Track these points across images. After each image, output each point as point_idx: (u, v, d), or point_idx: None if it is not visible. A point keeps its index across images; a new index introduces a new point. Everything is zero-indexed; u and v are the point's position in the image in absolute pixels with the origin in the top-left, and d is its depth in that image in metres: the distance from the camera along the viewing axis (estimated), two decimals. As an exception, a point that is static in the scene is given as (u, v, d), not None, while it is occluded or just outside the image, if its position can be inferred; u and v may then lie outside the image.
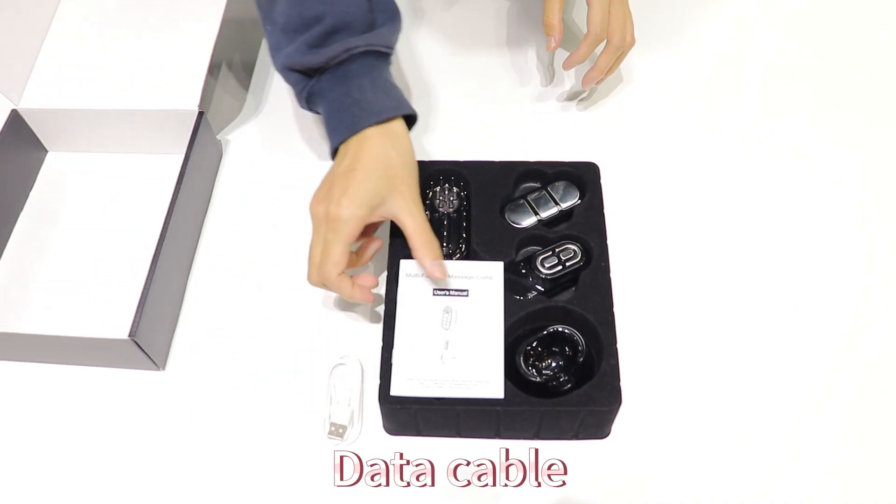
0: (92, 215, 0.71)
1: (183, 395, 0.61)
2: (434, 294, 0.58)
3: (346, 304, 0.64)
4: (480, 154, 0.67)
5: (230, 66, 0.81)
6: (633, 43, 0.69)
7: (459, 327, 0.56)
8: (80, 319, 0.64)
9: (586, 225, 0.62)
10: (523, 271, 0.60)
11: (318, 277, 0.57)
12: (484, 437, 0.57)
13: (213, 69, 0.70)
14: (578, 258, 0.60)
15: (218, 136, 0.75)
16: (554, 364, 0.56)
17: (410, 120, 0.62)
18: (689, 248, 0.66)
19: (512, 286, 0.59)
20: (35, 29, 0.72)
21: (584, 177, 0.64)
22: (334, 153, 0.61)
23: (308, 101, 0.63)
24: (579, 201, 0.64)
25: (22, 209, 0.71)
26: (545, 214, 0.63)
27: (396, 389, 0.54)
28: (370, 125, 0.58)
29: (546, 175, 0.65)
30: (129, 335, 0.56)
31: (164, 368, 0.62)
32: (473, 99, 0.77)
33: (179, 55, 0.70)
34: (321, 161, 0.73)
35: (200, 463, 0.57)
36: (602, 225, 0.62)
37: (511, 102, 0.77)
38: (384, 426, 0.58)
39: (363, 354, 0.61)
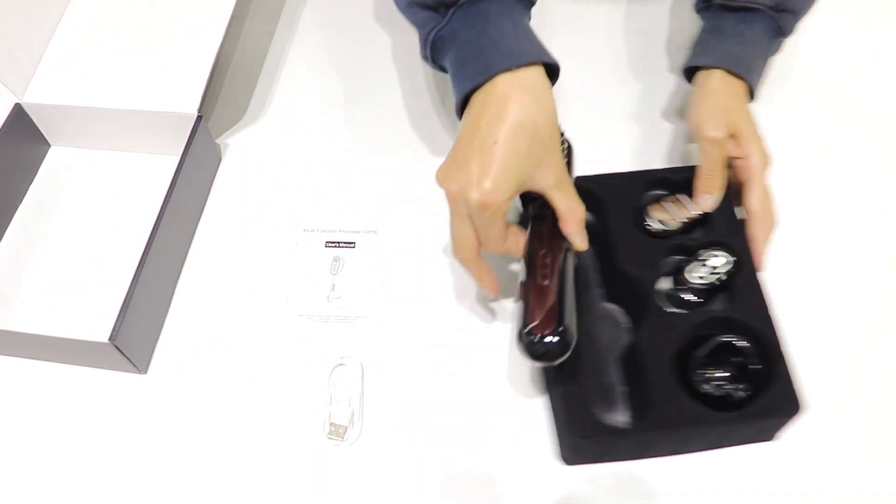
0: (90, 213, 0.71)
1: (180, 398, 0.60)
2: (326, 245, 0.67)
3: (346, 307, 0.64)
4: (596, 168, 0.64)
5: (236, 69, 0.81)
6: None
7: (345, 273, 0.65)
8: (66, 319, 0.64)
9: (726, 229, 0.60)
10: (675, 283, 0.59)
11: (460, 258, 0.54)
12: (660, 456, 0.56)
13: (219, 71, 0.70)
14: (729, 264, 0.58)
15: (218, 140, 0.74)
16: (725, 375, 0.55)
17: (553, 75, 0.54)
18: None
19: (668, 299, 0.58)
20: (44, 24, 0.72)
21: None
22: (461, 109, 0.53)
23: (434, 47, 0.55)
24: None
25: (21, 202, 0.71)
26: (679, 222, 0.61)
27: (289, 325, 0.63)
28: (506, 70, 0.49)
29: (673, 182, 0.63)
30: (110, 339, 0.56)
31: (145, 372, 0.61)
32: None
33: (185, 57, 0.70)
34: (320, 165, 0.73)
35: (198, 463, 0.57)
36: (741, 228, 0.61)
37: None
38: (563, 457, 0.56)
39: (363, 355, 0.61)
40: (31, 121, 0.71)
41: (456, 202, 0.51)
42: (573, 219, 0.52)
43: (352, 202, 0.70)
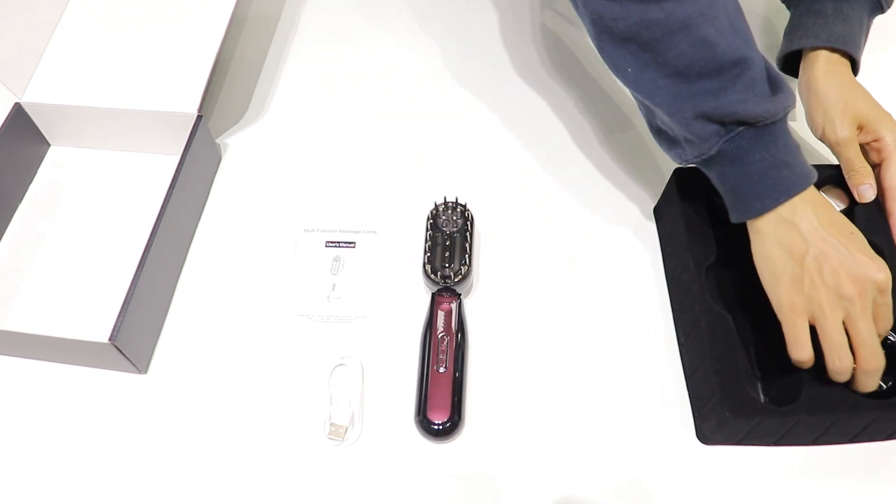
0: (90, 212, 0.71)
1: (180, 398, 0.60)
2: (326, 245, 0.67)
3: (346, 307, 0.64)
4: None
5: (236, 69, 0.81)
6: None
7: (346, 273, 0.66)
8: (66, 319, 0.64)
9: (869, 225, 0.61)
10: None
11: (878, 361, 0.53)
12: (800, 444, 0.57)
13: (219, 71, 0.70)
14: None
15: (218, 140, 0.74)
16: None
17: None
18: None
19: None
20: (43, 24, 0.72)
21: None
22: (748, 215, 0.56)
23: (710, 158, 0.56)
24: (844, 205, 0.63)
25: (21, 202, 0.71)
26: None
27: (289, 325, 0.63)
28: (803, 189, 0.54)
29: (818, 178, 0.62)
30: (110, 339, 0.56)
31: (145, 372, 0.61)
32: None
33: (185, 57, 0.70)
34: (320, 165, 0.73)
35: (198, 463, 0.57)
36: (885, 224, 0.61)
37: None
38: (703, 434, 0.58)
39: (363, 355, 0.61)
40: (30, 120, 0.71)
41: (864, 296, 0.52)
42: None
43: (352, 202, 0.71)
